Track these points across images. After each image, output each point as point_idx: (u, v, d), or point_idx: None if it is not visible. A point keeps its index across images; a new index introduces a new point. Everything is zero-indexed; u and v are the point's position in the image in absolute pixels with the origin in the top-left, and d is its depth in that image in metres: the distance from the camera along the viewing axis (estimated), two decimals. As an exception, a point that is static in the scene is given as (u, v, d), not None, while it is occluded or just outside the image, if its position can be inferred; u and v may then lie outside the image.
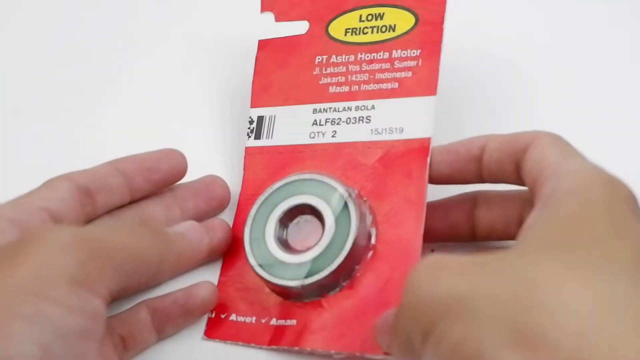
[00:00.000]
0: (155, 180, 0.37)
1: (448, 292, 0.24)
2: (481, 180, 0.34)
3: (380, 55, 0.39)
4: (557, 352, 0.21)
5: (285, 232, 0.36)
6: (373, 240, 0.35)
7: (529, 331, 0.22)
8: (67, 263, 0.26)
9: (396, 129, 0.37)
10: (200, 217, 0.38)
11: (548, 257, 0.24)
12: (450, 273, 0.25)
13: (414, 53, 0.38)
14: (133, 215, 0.37)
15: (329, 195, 0.36)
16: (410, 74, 0.37)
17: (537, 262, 0.24)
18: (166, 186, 0.38)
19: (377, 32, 0.39)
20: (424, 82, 0.37)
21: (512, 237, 0.32)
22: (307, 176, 0.37)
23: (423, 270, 0.26)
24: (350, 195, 0.35)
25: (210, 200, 0.39)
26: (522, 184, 0.32)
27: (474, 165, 0.34)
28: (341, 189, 0.36)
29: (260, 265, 0.35)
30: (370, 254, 0.35)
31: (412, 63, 0.38)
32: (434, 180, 0.35)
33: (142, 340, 0.34)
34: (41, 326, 0.25)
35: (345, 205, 0.35)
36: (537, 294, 0.23)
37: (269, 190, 0.37)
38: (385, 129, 0.37)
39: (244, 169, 0.39)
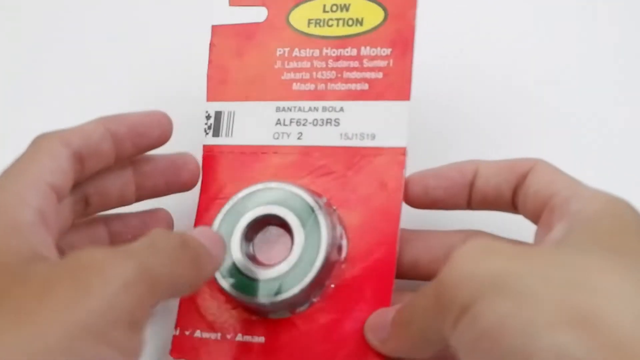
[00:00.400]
0: (142, 146, 0.35)
1: (498, 270, 0.24)
2: (469, 206, 0.34)
3: (347, 52, 0.36)
4: (615, 332, 0.21)
5: (252, 246, 0.35)
6: (344, 254, 0.34)
7: (585, 312, 0.22)
8: (130, 304, 0.25)
9: (367, 135, 0.35)
10: (154, 196, 0.37)
11: (594, 255, 0.25)
12: (500, 255, 0.25)
13: (384, 52, 0.36)
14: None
15: (297, 205, 0.34)
16: (380, 74, 0.36)
17: (586, 256, 0.24)
18: (146, 151, 0.36)
19: (343, 25, 0.37)
20: (396, 86, 0.35)
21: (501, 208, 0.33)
22: (273, 185, 0.35)
23: (470, 251, 0.26)
24: (319, 206, 0.34)
25: (172, 184, 0.37)
26: (513, 210, 0.33)
27: (467, 191, 0.34)
28: (310, 200, 0.34)
29: (227, 281, 0.34)
30: (342, 266, 0.34)
31: (382, 63, 0.36)
32: (428, 205, 0.35)
33: None
34: None
35: (315, 217, 0.34)
36: (591, 280, 0.23)
37: (233, 199, 0.35)
38: (356, 135, 0.36)
39: (203, 171, 0.37)
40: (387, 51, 0.36)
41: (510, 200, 0.33)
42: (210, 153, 0.37)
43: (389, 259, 0.34)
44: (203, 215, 0.37)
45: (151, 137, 0.35)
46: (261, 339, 0.34)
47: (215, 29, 0.39)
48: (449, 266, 0.25)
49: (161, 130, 0.35)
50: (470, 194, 0.34)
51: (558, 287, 0.23)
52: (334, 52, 0.37)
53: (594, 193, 0.29)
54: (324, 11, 0.37)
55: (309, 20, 0.37)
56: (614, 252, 0.25)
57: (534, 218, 0.32)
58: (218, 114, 0.38)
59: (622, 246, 0.26)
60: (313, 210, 0.34)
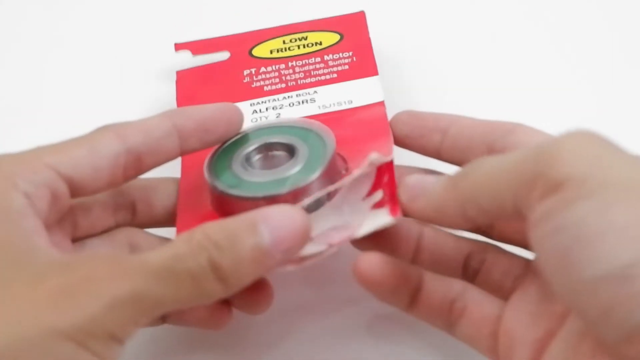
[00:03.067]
0: (208, 142, 0.33)
1: (629, 169, 0.23)
2: (438, 155, 0.34)
3: (312, 60, 0.40)
4: None
5: (252, 162, 0.33)
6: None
7: None
8: (112, 323, 0.25)
9: (345, 101, 0.37)
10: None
11: None
12: (623, 155, 0.24)
13: (346, 54, 0.40)
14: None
15: (293, 131, 0.34)
16: (347, 67, 0.39)
17: None
18: (211, 147, 0.34)
19: (304, 47, 0.41)
20: (364, 69, 0.38)
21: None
22: (264, 123, 0.36)
23: (587, 137, 0.24)
24: (316, 125, 0.34)
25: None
26: None
27: (437, 136, 0.33)
28: (304, 124, 0.35)
29: (231, 187, 0.31)
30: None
31: (346, 60, 0.39)
32: (396, 140, 0.34)
33: None
34: None
35: (315, 132, 0.34)
36: None
37: (226, 143, 0.34)
38: (333, 104, 0.37)
39: (182, 171, 0.35)
40: (349, 54, 0.40)
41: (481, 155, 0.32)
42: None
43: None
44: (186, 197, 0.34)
45: (217, 133, 0.33)
46: None
47: (179, 73, 0.41)
48: (562, 141, 0.24)
49: (230, 126, 0.33)
50: (441, 142, 0.33)
51: None
52: (299, 62, 0.40)
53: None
54: (284, 43, 0.41)
55: (271, 50, 0.41)
56: None
57: None
58: None
59: None
60: (311, 129, 0.34)
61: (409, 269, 0.30)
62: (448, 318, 0.31)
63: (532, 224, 0.24)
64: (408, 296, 0.30)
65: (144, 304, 0.25)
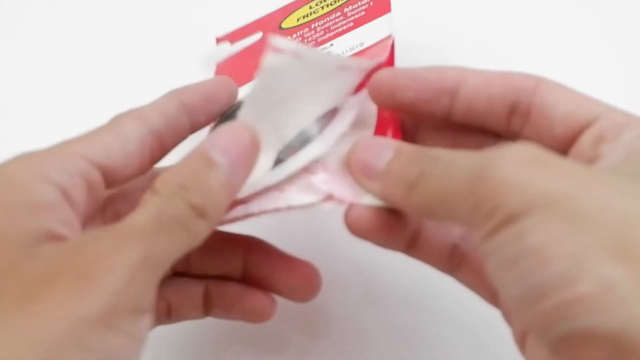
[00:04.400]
0: (212, 114, 0.33)
1: (554, 188, 0.23)
2: (447, 119, 0.30)
3: (333, 16, 0.39)
4: None
5: None
6: None
7: (637, 247, 0.21)
8: (135, 293, 0.24)
9: (356, 45, 0.36)
10: None
11: None
12: (556, 170, 0.23)
13: (364, 1, 0.38)
14: None
15: None
16: (363, 13, 0.37)
17: None
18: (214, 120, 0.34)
19: (327, 6, 0.40)
20: (377, 10, 0.37)
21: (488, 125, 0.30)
22: None
23: (522, 156, 0.24)
24: None
25: None
26: (502, 129, 0.30)
27: (446, 99, 0.30)
28: None
29: None
30: None
31: (364, 7, 0.38)
32: (394, 107, 0.31)
33: None
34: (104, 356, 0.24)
35: None
36: None
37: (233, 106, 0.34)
38: (346, 50, 0.36)
39: None
40: (367, 0, 0.38)
41: (504, 118, 0.29)
42: None
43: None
44: None
45: (220, 104, 0.33)
46: None
47: (219, 65, 0.42)
48: (496, 165, 0.24)
49: (229, 94, 0.33)
50: (451, 105, 0.30)
51: (615, 217, 0.22)
52: (321, 22, 0.39)
53: None
54: (310, 8, 0.41)
55: (298, 18, 0.41)
56: None
57: (559, 143, 0.28)
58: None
59: None
60: None
61: (403, 216, 0.29)
62: (449, 263, 0.30)
63: (478, 243, 0.24)
64: (405, 241, 0.30)
65: (154, 263, 0.25)
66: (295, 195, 0.29)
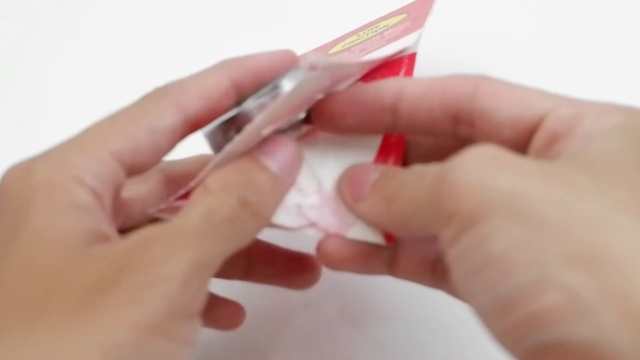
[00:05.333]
0: None
1: (513, 189, 0.22)
2: (393, 131, 0.30)
3: (373, 40, 0.39)
4: (629, 282, 0.20)
5: None
6: None
7: (602, 254, 0.21)
8: (188, 299, 0.24)
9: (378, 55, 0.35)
10: None
11: (619, 191, 0.22)
12: (515, 170, 0.23)
13: (402, 26, 0.38)
14: None
15: None
16: (399, 33, 0.37)
17: (609, 189, 0.22)
18: None
19: (372, 32, 0.40)
20: (412, 29, 0.37)
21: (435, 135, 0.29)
22: None
23: (482, 157, 0.24)
24: None
25: None
26: (452, 137, 0.29)
27: (387, 116, 0.29)
28: None
29: None
30: None
31: (401, 28, 0.38)
32: (341, 131, 0.31)
33: None
34: None
35: None
36: (612, 218, 0.21)
37: None
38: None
39: None
40: (405, 24, 0.38)
41: (450, 127, 0.29)
42: None
43: None
44: None
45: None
46: None
47: None
48: (454, 169, 0.24)
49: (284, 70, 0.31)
50: (394, 120, 0.29)
51: (574, 222, 0.21)
52: (360, 46, 0.39)
53: (605, 108, 0.25)
54: (357, 37, 0.41)
55: (344, 44, 0.41)
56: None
57: (513, 146, 0.26)
58: None
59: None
60: None
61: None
62: (433, 278, 0.30)
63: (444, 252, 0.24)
64: (385, 263, 0.30)
65: (205, 267, 0.25)
66: (281, 214, 0.29)
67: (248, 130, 0.27)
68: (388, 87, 0.29)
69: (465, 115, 0.28)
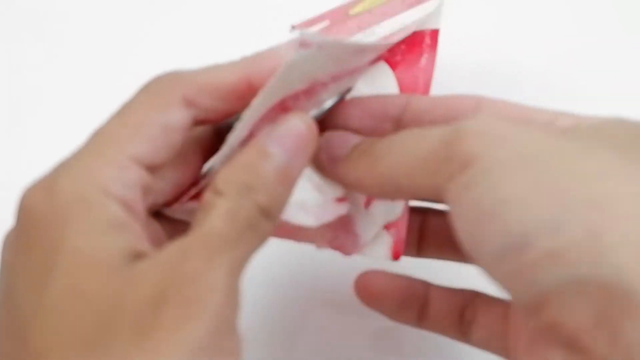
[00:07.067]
0: None
1: (532, 138, 0.24)
2: None
3: (394, 2, 0.36)
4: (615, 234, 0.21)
5: None
6: None
7: (616, 198, 0.21)
8: (232, 312, 0.24)
9: (397, 28, 0.34)
10: None
11: (609, 154, 0.23)
12: (530, 126, 0.25)
13: None
14: None
15: None
16: None
17: (599, 153, 0.23)
18: None
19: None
20: None
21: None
22: None
23: (495, 118, 0.25)
24: None
25: None
26: None
27: (390, 125, 0.30)
28: None
29: None
30: None
31: None
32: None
33: None
34: None
35: None
36: (627, 167, 0.22)
37: None
38: (386, 33, 0.34)
39: None
40: None
41: None
42: None
43: None
44: None
45: None
46: None
47: None
48: (472, 122, 0.25)
49: None
50: (395, 130, 0.29)
51: (593, 167, 0.22)
52: (382, 8, 0.37)
53: (604, 118, 0.26)
54: (380, -5, 0.38)
55: (363, 6, 0.38)
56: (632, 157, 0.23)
57: None
58: None
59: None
60: None
61: (413, 281, 0.31)
62: (460, 326, 0.31)
63: (447, 204, 0.24)
64: (416, 309, 0.31)
65: (240, 272, 0.25)
66: (299, 212, 0.29)
67: (247, 115, 0.26)
68: (397, 98, 0.31)
69: None
